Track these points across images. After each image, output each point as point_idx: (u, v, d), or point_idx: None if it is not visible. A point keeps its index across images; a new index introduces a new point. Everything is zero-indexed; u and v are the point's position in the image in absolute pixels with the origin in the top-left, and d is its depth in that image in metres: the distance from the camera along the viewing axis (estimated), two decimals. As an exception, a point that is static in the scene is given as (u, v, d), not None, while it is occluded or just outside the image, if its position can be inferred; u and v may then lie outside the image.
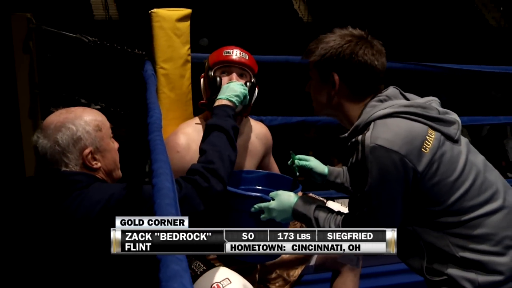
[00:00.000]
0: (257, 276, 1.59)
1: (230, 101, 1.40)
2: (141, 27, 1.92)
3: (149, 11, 1.76)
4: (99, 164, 1.20)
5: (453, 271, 1.14)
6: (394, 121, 1.14)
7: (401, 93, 1.25)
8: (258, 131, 1.70)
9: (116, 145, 1.27)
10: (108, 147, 1.22)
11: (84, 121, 1.19)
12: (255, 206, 1.35)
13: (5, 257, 1.17)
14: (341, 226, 1.22)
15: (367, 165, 1.11)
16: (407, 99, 1.24)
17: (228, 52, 1.53)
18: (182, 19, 1.77)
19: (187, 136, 1.54)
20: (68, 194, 1.11)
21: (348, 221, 1.22)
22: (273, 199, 1.34)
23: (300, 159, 1.55)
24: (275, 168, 1.80)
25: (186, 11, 1.79)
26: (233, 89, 1.43)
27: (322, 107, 1.28)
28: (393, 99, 1.21)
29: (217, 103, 1.42)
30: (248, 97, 1.48)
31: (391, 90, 1.24)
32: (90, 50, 2.12)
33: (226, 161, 1.25)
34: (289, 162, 1.57)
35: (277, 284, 1.62)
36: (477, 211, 1.14)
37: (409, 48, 8.83)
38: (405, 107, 1.16)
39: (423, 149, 1.11)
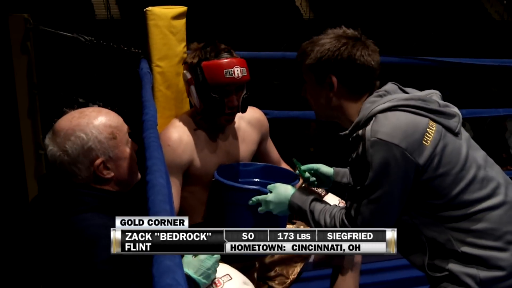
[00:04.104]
0: (256, 274, 1.60)
1: (198, 283, 1.18)
2: (138, 25, 1.91)
3: (144, 10, 1.75)
4: (112, 174, 1.12)
5: (454, 267, 1.14)
6: (394, 115, 1.14)
7: (400, 88, 1.25)
8: (249, 117, 1.68)
9: (131, 150, 1.17)
10: (123, 155, 1.14)
11: (97, 129, 1.10)
12: (253, 199, 1.36)
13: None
14: (336, 218, 1.21)
15: (368, 159, 1.11)
16: (406, 93, 1.24)
17: (229, 73, 1.49)
18: (177, 16, 1.76)
19: (177, 129, 1.55)
20: (68, 215, 1.07)
21: (344, 213, 1.21)
22: (271, 192, 1.34)
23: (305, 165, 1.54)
24: (274, 153, 1.79)
25: (182, 8, 1.78)
26: (208, 275, 1.18)
27: (322, 109, 1.28)
28: (392, 93, 1.21)
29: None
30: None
31: (390, 86, 1.24)
32: (87, 49, 2.12)
33: None
34: (296, 171, 1.54)
35: (276, 282, 1.62)
36: (478, 205, 1.14)
37: (411, 42, 8.82)
38: (404, 100, 1.16)
39: (424, 142, 1.11)
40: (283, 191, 1.32)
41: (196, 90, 1.53)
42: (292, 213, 1.33)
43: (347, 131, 1.22)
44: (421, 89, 1.30)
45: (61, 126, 1.11)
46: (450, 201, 1.14)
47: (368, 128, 1.13)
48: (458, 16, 10.30)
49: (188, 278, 1.15)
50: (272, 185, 1.35)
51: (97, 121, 1.11)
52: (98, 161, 1.10)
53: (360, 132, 1.16)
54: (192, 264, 1.16)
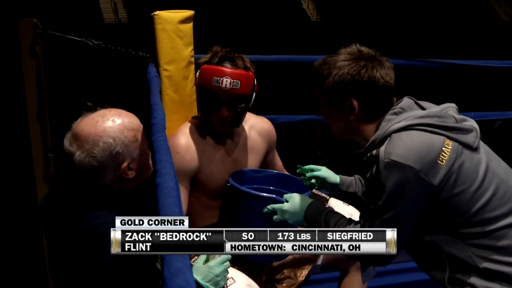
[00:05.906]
0: (264, 277, 1.60)
1: None
2: (146, 29, 1.93)
3: (152, 14, 1.77)
4: (134, 174, 1.16)
5: (476, 281, 1.12)
6: (408, 135, 1.12)
7: (416, 103, 1.22)
8: (260, 128, 1.69)
9: (147, 148, 1.21)
10: (143, 154, 1.18)
11: (122, 132, 1.13)
12: (268, 206, 1.35)
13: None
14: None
15: (381, 180, 1.10)
16: (422, 108, 1.21)
17: (217, 82, 1.45)
18: (184, 20, 1.78)
19: (186, 136, 1.56)
20: (82, 213, 1.09)
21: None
22: (287, 201, 1.33)
23: (311, 170, 1.53)
24: (279, 164, 1.79)
25: (189, 12, 1.79)
26: (216, 282, 1.17)
27: (340, 131, 1.26)
28: (408, 110, 1.19)
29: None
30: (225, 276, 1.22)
31: (406, 101, 1.21)
32: (95, 53, 2.14)
33: None
34: (301, 177, 1.55)
35: (284, 285, 1.62)
36: (500, 222, 1.12)
37: (419, 44, 8.77)
38: (420, 118, 1.14)
39: (439, 162, 1.09)
40: (299, 201, 1.31)
41: (196, 90, 1.56)
42: (307, 224, 1.32)
43: (362, 150, 1.21)
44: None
45: (86, 132, 1.12)
46: (469, 219, 1.12)
47: (382, 148, 1.12)
48: (467, 17, 10.23)
49: (197, 284, 1.16)
50: (289, 194, 1.34)
51: (121, 125, 1.14)
52: (124, 165, 1.14)
53: (374, 152, 1.14)
54: (201, 271, 1.17)
